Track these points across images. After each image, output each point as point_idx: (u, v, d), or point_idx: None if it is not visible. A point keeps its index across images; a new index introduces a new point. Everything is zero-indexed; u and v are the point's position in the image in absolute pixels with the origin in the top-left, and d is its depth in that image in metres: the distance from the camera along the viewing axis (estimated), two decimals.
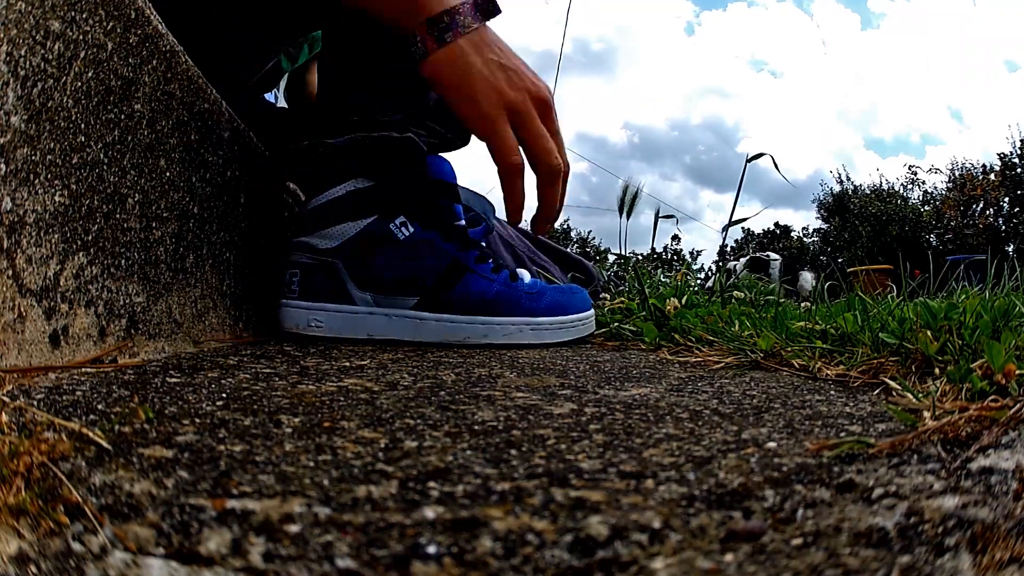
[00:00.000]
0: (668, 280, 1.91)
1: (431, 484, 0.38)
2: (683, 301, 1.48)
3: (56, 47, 0.67)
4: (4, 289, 0.60)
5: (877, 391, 0.74)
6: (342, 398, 0.64)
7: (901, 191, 21.90)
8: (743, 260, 7.70)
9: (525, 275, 1.35)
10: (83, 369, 0.70)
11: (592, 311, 1.42)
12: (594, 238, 22.38)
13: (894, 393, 0.69)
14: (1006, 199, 18.24)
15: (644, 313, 1.47)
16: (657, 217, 2.03)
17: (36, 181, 0.65)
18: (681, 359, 1.08)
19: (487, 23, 1.10)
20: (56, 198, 0.68)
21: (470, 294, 1.25)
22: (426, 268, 1.24)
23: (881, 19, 59.93)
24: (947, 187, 20.32)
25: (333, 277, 1.22)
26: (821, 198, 23.14)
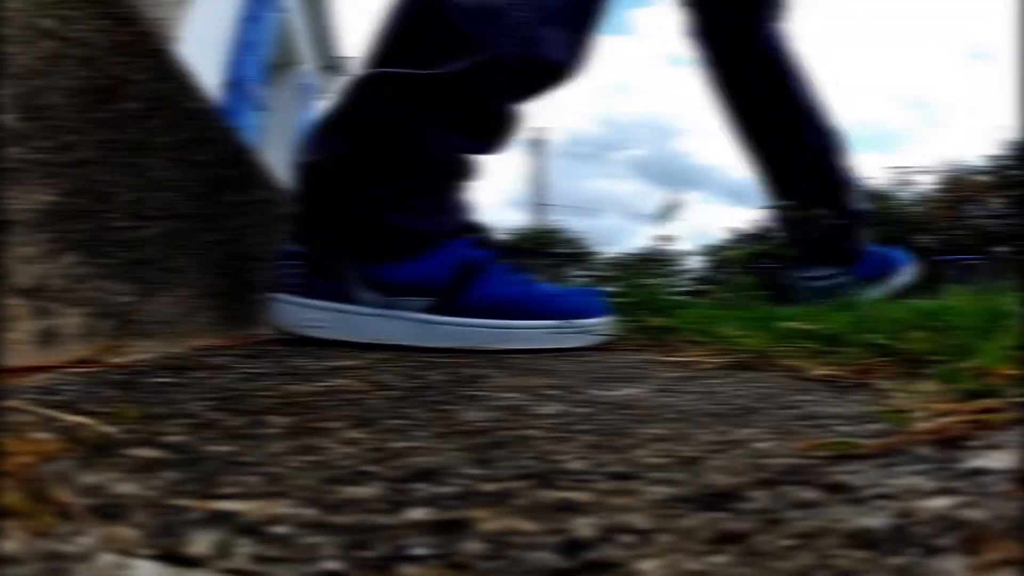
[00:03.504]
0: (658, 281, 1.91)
1: (418, 485, 0.38)
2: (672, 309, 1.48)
3: (48, 45, 0.67)
4: None
5: (867, 391, 0.74)
6: (330, 398, 0.64)
7: (889, 191, 21.91)
8: None
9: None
10: (72, 369, 0.69)
11: (609, 315, 1.37)
12: (583, 238, 22.35)
13: (884, 394, 0.69)
14: (997, 200, 18.29)
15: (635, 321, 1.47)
16: (666, 220, 2.04)
17: (27, 180, 0.64)
18: (670, 359, 1.08)
19: None
20: (46, 197, 0.67)
21: (486, 296, 1.20)
22: (439, 268, 1.19)
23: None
24: (937, 187, 20.37)
25: (337, 273, 1.17)
26: None
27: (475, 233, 1.27)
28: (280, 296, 1.19)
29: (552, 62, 1.18)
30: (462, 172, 1.25)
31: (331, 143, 1.17)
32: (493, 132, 1.23)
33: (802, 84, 1.81)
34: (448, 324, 1.19)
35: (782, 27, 1.79)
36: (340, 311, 1.16)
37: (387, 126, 1.15)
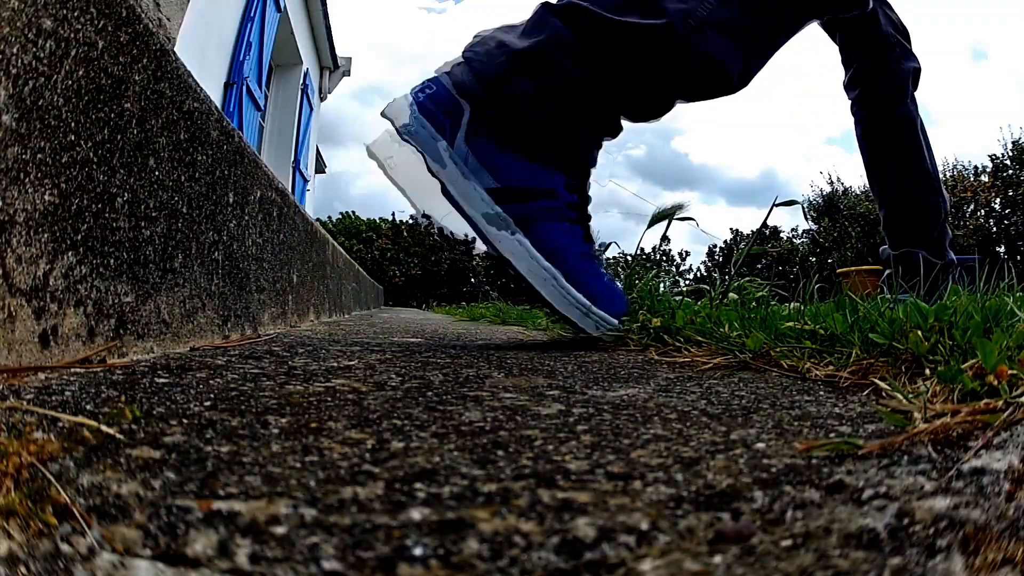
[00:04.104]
0: (658, 281, 1.92)
1: (417, 485, 0.38)
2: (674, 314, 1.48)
3: (47, 45, 0.67)
4: None
5: (867, 392, 0.74)
6: (329, 399, 0.64)
7: None
8: None
9: None
10: (72, 369, 0.69)
11: (617, 322, 1.40)
12: None
13: (884, 394, 0.69)
14: (997, 200, 18.29)
15: (635, 324, 1.47)
16: (670, 220, 2.03)
17: (26, 180, 0.64)
18: (669, 359, 1.08)
19: None
20: (46, 197, 0.67)
21: (548, 235, 1.31)
22: (530, 179, 1.31)
23: None
24: None
25: (454, 114, 1.31)
26: (811, 199, 23.13)
27: (577, 186, 1.37)
28: (410, 95, 1.32)
29: (714, 60, 1.30)
30: (601, 122, 1.39)
31: (517, 37, 1.34)
32: (642, 96, 1.37)
33: (928, 151, 2.16)
34: (499, 227, 1.31)
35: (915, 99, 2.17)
36: (432, 140, 1.30)
37: (559, 47, 1.29)
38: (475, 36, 1.39)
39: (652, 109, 1.39)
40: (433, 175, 1.31)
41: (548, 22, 1.31)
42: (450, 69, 1.36)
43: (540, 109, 1.32)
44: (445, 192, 1.32)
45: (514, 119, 1.32)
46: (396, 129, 1.30)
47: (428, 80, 1.34)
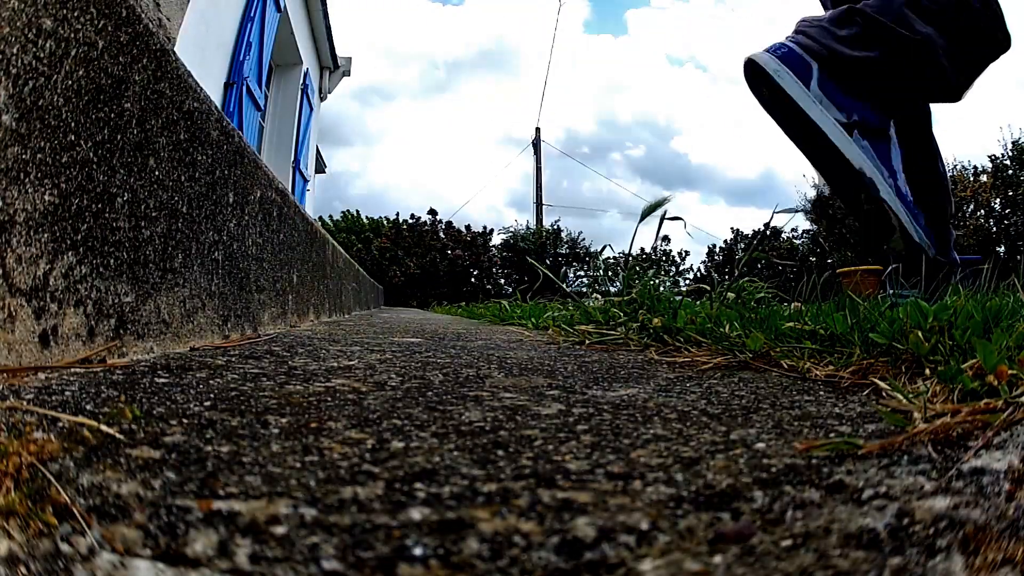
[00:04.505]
0: (658, 281, 1.93)
1: (417, 485, 0.38)
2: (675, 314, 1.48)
3: (47, 45, 0.67)
4: None
5: (867, 392, 0.74)
6: (329, 399, 0.64)
7: None
8: None
9: None
10: (72, 369, 0.69)
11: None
12: (584, 238, 22.25)
13: (884, 394, 0.69)
14: (997, 200, 18.27)
15: (635, 324, 1.47)
16: (662, 220, 2.05)
17: (26, 180, 0.64)
18: (669, 359, 1.08)
19: None
20: (46, 197, 0.67)
21: (879, 148, 1.79)
22: (866, 114, 1.79)
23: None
24: None
25: (805, 68, 1.77)
26: (811, 200, 23.07)
27: (880, 124, 1.83)
28: (768, 56, 1.79)
29: (942, 68, 1.81)
30: (893, 98, 1.86)
31: (835, 26, 1.87)
32: (909, 83, 1.86)
33: (935, 152, 2.37)
34: (845, 144, 1.76)
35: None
36: (790, 87, 1.76)
37: (861, 41, 1.83)
38: (801, 20, 1.94)
39: (911, 94, 1.87)
40: (794, 107, 1.76)
41: (854, 21, 1.84)
42: (792, 37, 1.85)
43: (864, 73, 1.80)
44: (804, 120, 1.76)
45: (849, 76, 1.79)
46: (767, 72, 1.76)
47: (778, 44, 1.83)
